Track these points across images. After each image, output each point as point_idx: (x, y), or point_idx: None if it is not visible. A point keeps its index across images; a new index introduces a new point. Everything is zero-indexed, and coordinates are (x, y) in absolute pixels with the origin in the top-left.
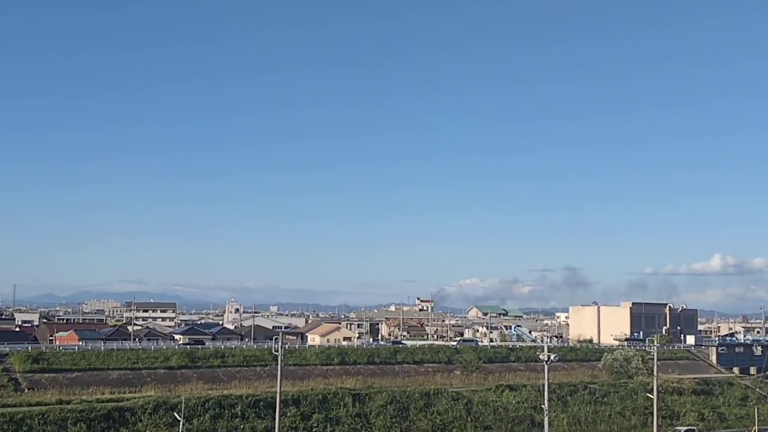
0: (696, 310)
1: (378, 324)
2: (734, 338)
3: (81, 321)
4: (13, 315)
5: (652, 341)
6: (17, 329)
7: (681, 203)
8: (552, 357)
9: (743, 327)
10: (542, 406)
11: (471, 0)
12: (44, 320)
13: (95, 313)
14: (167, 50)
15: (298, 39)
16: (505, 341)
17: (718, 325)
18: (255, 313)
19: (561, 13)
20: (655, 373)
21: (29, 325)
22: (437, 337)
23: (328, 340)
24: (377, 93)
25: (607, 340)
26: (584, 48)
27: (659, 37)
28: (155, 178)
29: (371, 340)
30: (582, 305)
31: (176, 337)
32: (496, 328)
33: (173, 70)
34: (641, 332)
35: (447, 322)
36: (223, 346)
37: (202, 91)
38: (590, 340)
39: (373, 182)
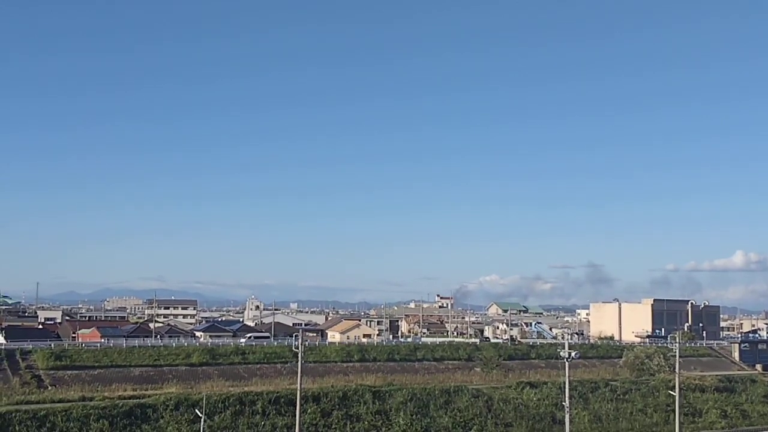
0: (718, 306)
1: (398, 321)
2: (757, 335)
3: (103, 318)
4: (36, 312)
5: (674, 338)
6: (40, 327)
7: (703, 199)
8: (573, 354)
9: (766, 324)
10: (563, 403)
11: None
12: (67, 318)
13: (117, 311)
14: (183, 48)
15: (306, 39)
16: (526, 338)
17: (741, 321)
18: (275, 310)
19: (576, 12)
20: (677, 370)
21: (52, 322)
22: (457, 334)
23: (348, 337)
24: (393, 91)
25: (628, 337)
26: (598, 46)
27: (677, 33)
28: (176, 176)
29: (391, 337)
30: (603, 302)
31: (197, 334)
32: (516, 325)
33: (192, 68)
34: (663, 329)
35: (467, 319)
36: (243, 343)
37: (221, 88)
38: (611, 337)
39: (392, 180)
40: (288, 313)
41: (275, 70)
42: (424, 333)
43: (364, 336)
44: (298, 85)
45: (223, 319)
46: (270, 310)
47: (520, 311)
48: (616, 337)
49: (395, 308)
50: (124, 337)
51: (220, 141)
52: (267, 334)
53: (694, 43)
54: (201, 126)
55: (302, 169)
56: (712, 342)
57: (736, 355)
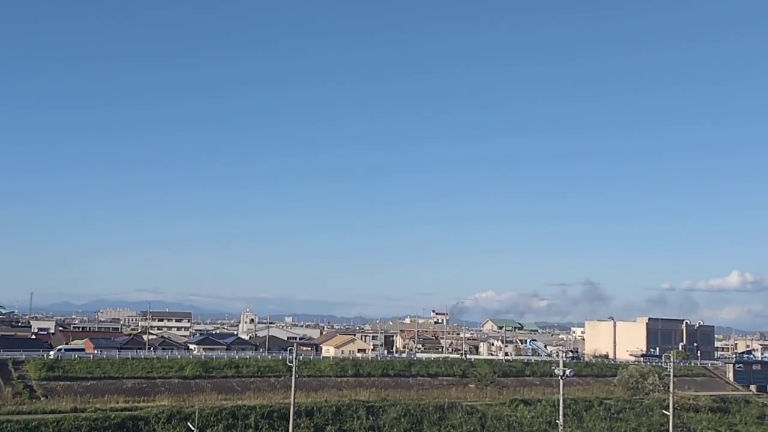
0: (713, 326)
1: (393, 336)
2: (751, 356)
3: (97, 329)
4: (29, 323)
5: (669, 357)
6: (33, 337)
7: (700, 219)
8: (567, 372)
9: (761, 344)
10: (557, 421)
11: (502, 13)
12: (60, 328)
13: (111, 322)
14: (183, 62)
15: (307, 54)
16: (520, 355)
17: (735, 342)
18: (270, 323)
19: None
20: (671, 389)
21: (45, 332)
22: (452, 350)
23: (342, 352)
24: (393, 105)
25: (623, 355)
26: (600, 60)
27: (682, 52)
28: (172, 188)
29: (386, 352)
30: (598, 320)
31: (191, 346)
32: (511, 342)
33: (186, 82)
34: (657, 348)
35: (462, 335)
36: (237, 356)
37: (216, 103)
38: (606, 356)
39: (389, 194)
40: (283, 326)
41: (278, 84)
42: (419, 348)
43: (359, 351)
44: (299, 100)
45: (218, 331)
46: (265, 323)
47: (515, 328)
48: (611, 356)
49: (390, 323)
50: (117, 348)
51: (219, 154)
52: (82, 347)
53: (701, 61)
54: (199, 139)
55: (300, 183)
56: (706, 362)
57: (730, 375)
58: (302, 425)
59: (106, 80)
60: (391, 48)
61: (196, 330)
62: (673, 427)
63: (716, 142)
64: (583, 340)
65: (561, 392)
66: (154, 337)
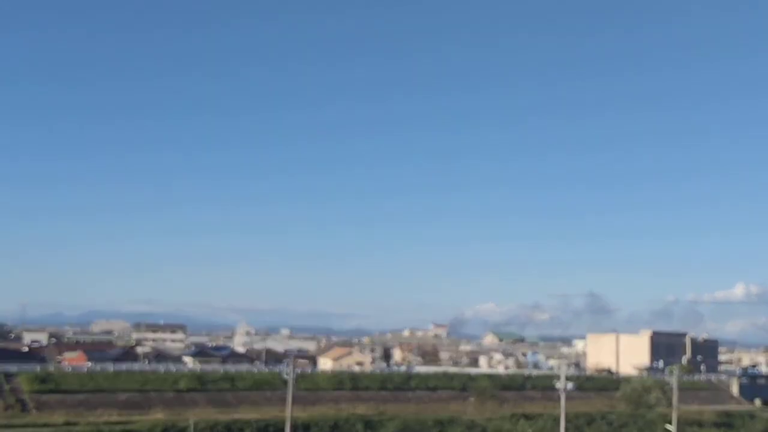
0: (717, 340)
1: (391, 349)
2: (756, 369)
3: (90, 341)
4: (22, 334)
5: (672, 371)
6: (26, 349)
7: (704, 231)
8: (569, 385)
9: (766, 358)
10: None
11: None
12: (53, 340)
13: (104, 334)
14: (181, 75)
15: (325, 70)
16: (521, 369)
17: (740, 355)
18: (266, 335)
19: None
20: (674, 403)
21: (38, 344)
22: (452, 363)
23: (340, 365)
24: (394, 122)
25: (626, 369)
26: (620, 78)
27: (686, 68)
28: (166, 201)
29: (384, 365)
30: (601, 333)
31: (185, 359)
32: (512, 355)
33: (183, 95)
34: (661, 362)
35: (462, 348)
36: (232, 369)
37: (214, 117)
38: (608, 369)
39: (390, 208)
40: (279, 338)
41: (279, 103)
42: (418, 361)
43: (357, 364)
44: (299, 117)
45: (213, 344)
46: (261, 335)
47: (516, 341)
48: (614, 369)
49: (389, 336)
50: (111, 361)
51: (215, 170)
52: None
53: (709, 78)
54: (192, 153)
55: (300, 195)
56: (710, 375)
57: (735, 389)
58: None
59: (104, 91)
60: (403, 64)
61: (190, 342)
62: None
63: (720, 159)
64: (585, 353)
65: (563, 406)
66: (149, 350)
